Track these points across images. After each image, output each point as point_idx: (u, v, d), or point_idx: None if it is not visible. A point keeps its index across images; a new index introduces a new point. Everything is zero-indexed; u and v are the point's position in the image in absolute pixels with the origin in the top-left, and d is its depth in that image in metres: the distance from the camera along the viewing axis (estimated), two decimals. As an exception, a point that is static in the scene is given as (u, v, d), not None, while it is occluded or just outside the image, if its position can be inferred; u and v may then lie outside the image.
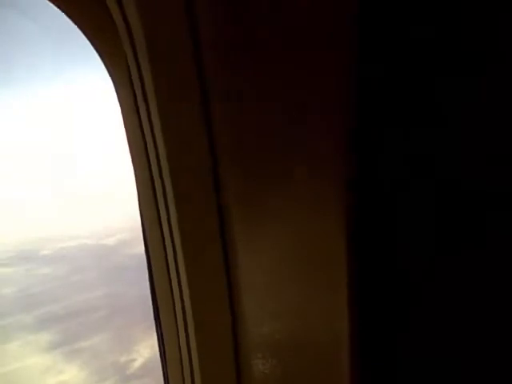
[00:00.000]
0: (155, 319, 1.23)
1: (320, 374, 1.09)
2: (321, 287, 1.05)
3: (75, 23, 1.08)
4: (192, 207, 1.04)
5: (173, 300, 1.14)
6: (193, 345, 1.09)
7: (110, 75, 1.12)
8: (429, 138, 1.01)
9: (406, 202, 1.03)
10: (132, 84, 1.05)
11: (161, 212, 1.10)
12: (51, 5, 1.06)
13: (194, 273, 1.06)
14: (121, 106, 1.14)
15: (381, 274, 1.05)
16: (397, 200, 1.03)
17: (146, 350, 8.59)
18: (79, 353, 8.88)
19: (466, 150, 1.01)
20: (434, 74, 0.99)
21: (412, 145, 1.02)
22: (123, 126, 1.14)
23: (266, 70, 0.97)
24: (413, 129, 1.01)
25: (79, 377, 8.46)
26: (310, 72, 0.97)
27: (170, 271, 1.13)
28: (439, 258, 1.05)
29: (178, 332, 1.15)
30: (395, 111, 1.00)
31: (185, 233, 1.04)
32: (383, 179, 1.03)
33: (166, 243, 1.11)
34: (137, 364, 8.54)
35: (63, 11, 1.08)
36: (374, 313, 1.06)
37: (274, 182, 1.02)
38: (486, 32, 0.97)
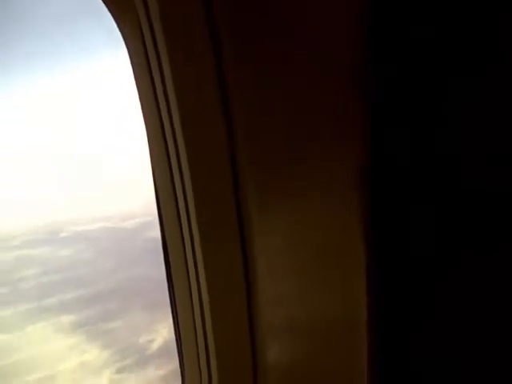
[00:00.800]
0: (171, 302, 1.23)
1: (335, 358, 1.09)
2: (338, 272, 1.05)
3: None
4: (210, 192, 1.04)
5: (189, 283, 1.14)
6: (208, 327, 1.10)
7: (121, 31, 1.09)
8: (428, 138, 1.01)
9: (409, 199, 1.03)
10: (144, 42, 1.03)
11: (178, 196, 1.10)
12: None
13: (210, 255, 1.06)
14: (132, 65, 1.11)
15: (392, 264, 1.05)
16: (402, 195, 1.03)
17: (165, 330, 8.72)
18: (102, 334, 9.06)
19: (466, 150, 1.01)
20: (433, 74, 0.99)
21: (411, 145, 1.01)
22: (137, 96, 1.11)
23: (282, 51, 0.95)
24: (412, 128, 1.02)
25: (101, 357, 8.65)
26: (324, 66, 0.96)
27: (187, 253, 1.13)
28: (439, 258, 1.05)
29: (193, 314, 1.15)
30: (395, 110, 1.01)
31: (202, 215, 1.04)
32: (392, 173, 1.02)
33: (183, 225, 1.11)
34: (156, 344, 8.69)
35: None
36: (389, 298, 1.06)
37: (291, 169, 1.02)
38: (486, 32, 0.97)
